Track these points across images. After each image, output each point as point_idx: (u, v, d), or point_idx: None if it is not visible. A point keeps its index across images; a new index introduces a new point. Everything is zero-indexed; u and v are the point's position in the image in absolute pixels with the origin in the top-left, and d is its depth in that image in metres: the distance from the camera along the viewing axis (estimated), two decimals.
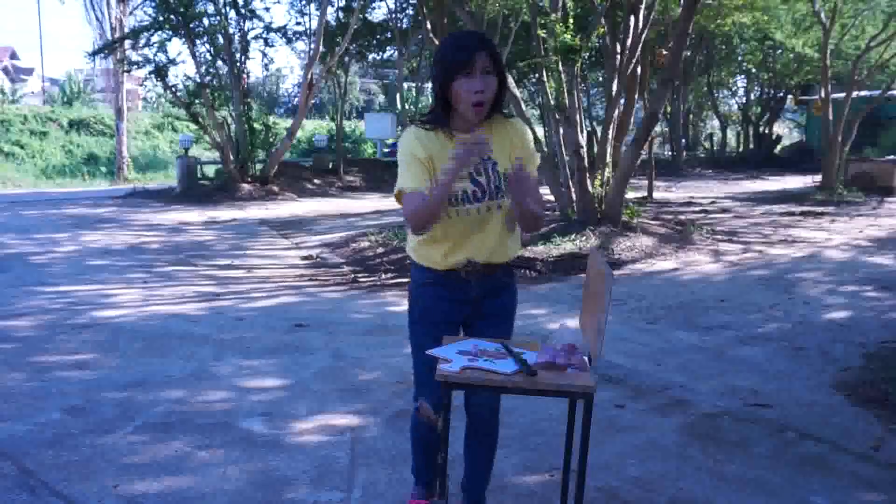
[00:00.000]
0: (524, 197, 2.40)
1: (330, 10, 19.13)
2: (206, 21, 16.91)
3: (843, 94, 17.53)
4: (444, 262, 2.66)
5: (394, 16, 20.65)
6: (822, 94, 17.52)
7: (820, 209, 14.10)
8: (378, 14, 22.75)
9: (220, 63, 17.78)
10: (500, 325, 2.75)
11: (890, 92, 18.72)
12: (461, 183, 2.54)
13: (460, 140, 2.49)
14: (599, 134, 11.13)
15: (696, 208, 14.59)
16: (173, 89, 17.13)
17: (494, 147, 2.58)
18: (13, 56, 50.14)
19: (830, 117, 17.10)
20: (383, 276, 8.07)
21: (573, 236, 9.33)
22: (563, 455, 2.90)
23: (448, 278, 2.68)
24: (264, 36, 18.83)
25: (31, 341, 5.52)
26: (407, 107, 25.19)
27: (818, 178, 18.03)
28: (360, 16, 18.89)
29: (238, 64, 17.78)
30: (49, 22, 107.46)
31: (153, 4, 16.63)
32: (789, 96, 31.54)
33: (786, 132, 41.19)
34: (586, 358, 2.44)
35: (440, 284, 2.70)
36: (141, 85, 22.83)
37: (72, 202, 15.81)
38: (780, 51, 26.39)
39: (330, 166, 21.50)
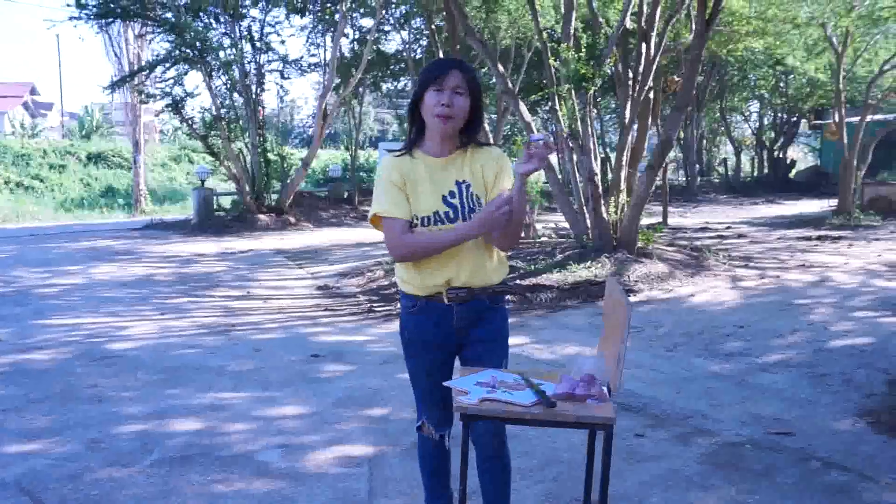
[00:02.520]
0: (531, 170, 2.46)
1: (344, 41, 19.33)
2: (222, 54, 17.14)
3: (857, 118, 17.50)
4: (425, 286, 2.70)
5: (407, 46, 20.82)
6: (837, 118, 17.47)
7: (836, 234, 14.01)
8: (392, 45, 22.94)
9: (235, 95, 17.99)
10: (491, 352, 2.74)
11: None
12: (435, 204, 2.63)
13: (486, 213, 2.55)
14: (613, 161, 11.14)
15: (712, 234, 14.53)
16: (190, 122, 17.33)
17: (470, 170, 2.69)
18: (33, 91, 50.83)
19: (845, 141, 17.04)
20: (398, 305, 8.06)
21: (589, 263, 9.30)
22: (583, 485, 2.86)
23: (430, 305, 2.72)
24: (280, 69, 19.08)
25: (50, 374, 5.55)
26: None
27: (834, 202, 17.94)
28: (374, 47, 19.08)
29: (254, 96, 17.99)
30: (68, 58, 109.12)
31: (170, 39, 16.88)
32: (803, 121, 31.48)
33: (800, 156, 41.04)
34: (606, 388, 2.42)
35: (423, 312, 2.75)
36: (157, 116, 23.12)
37: (90, 235, 15.94)
38: (792, 75, 26.39)
39: (345, 196, 21.61)
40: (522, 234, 12.53)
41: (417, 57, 20.26)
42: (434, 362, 2.80)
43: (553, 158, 11.93)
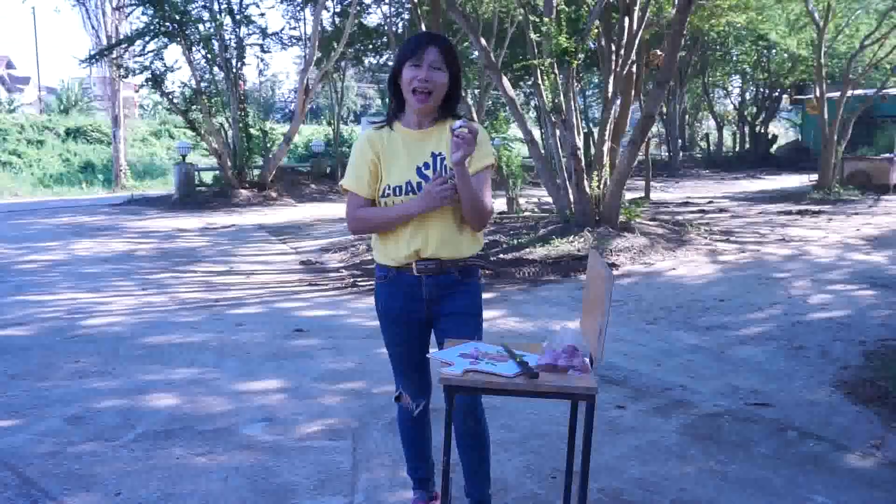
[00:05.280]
0: (461, 157, 2.51)
1: (325, 14, 19.15)
2: (201, 27, 16.93)
3: (837, 93, 17.58)
4: (396, 256, 2.72)
5: (389, 20, 20.66)
6: (817, 94, 17.56)
7: (816, 208, 14.13)
8: (373, 18, 22.76)
9: (216, 69, 17.80)
10: (462, 325, 2.75)
11: (884, 91, 18.77)
12: (408, 175, 2.66)
13: (428, 187, 2.61)
14: (596, 135, 11.15)
15: (694, 208, 14.61)
16: (170, 96, 17.14)
17: (446, 143, 2.66)
18: (9, 65, 50.10)
19: (826, 116, 17.14)
20: None
21: (571, 238, 9.34)
22: (565, 457, 2.89)
23: (401, 276, 2.74)
24: (260, 42, 18.89)
25: (31, 351, 5.52)
26: None
27: (814, 176, 18.08)
28: (356, 20, 18.91)
29: (234, 70, 17.81)
30: (45, 31, 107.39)
31: (149, 11, 16.65)
32: (784, 96, 31.60)
33: (781, 132, 41.24)
34: (587, 360, 2.44)
35: (394, 282, 2.77)
36: (137, 91, 22.84)
37: (70, 211, 15.80)
38: (774, 51, 26.47)
39: (328, 171, 21.52)
40: (505, 209, 12.57)
41: (399, 31, 20.10)
42: (406, 333, 2.83)
43: (536, 133, 11.90)
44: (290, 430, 4.01)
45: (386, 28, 21.00)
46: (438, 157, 2.68)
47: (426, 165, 2.67)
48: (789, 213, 13.58)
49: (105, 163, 24.94)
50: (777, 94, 31.38)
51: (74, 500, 3.24)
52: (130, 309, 6.89)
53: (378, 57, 23.76)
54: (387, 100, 2.84)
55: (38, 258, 9.70)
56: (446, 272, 2.72)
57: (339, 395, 4.54)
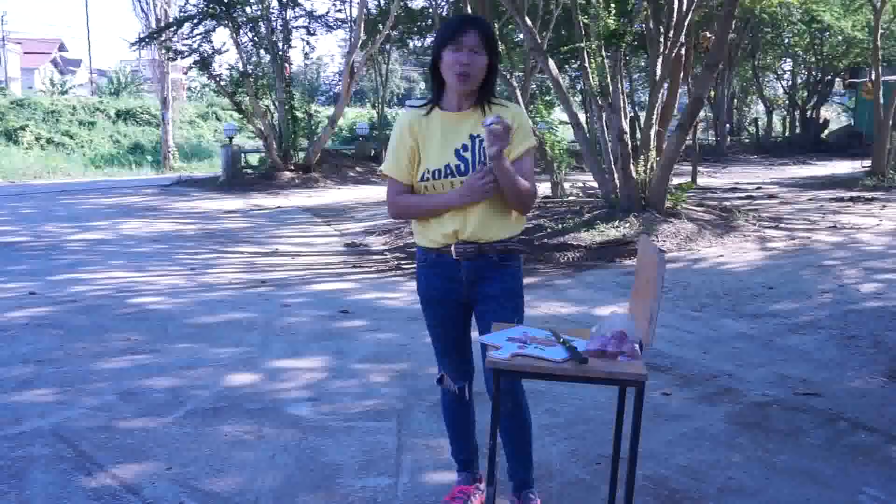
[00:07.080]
0: (497, 151, 2.52)
1: None
2: (248, 10, 17.06)
3: (893, 77, 17.09)
4: (434, 237, 2.73)
5: (434, 2, 20.56)
6: (873, 77, 17.08)
7: (869, 195, 13.78)
8: (418, 1, 22.67)
9: (262, 52, 17.95)
10: (503, 309, 2.73)
11: None
12: (447, 157, 2.67)
13: (471, 179, 2.63)
14: (643, 119, 10.99)
15: (742, 194, 14.35)
16: (217, 79, 17.33)
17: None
18: (62, 48, 51.03)
19: (881, 100, 16.68)
20: None
21: (617, 223, 9.25)
22: (611, 443, 2.87)
23: (440, 259, 2.75)
24: (306, 24, 18.99)
25: (83, 328, 5.65)
26: None
27: (867, 162, 17.62)
28: (401, 2, 18.88)
29: (280, 53, 17.93)
30: (96, 14, 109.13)
31: None
32: (837, 80, 30.79)
33: (833, 116, 40.24)
34: (637, 346, 2.41)
35: (433, 265, 2.79)
36: (185, 74, 23.16)
37: (119, 191, 16.10)
38: (828, 33, 25.79)
39: (372, 154, 21.59)
40: (550, 194, 12.49)
41: (444, 13, 20.00)
42: (446, 316, 2.85)
43: (581, 117, 11.80)
44: (336, 410, 4.05)
45: (431, 10, 20.92)
46: (477, 140, 2.67)
47: (465, 147, 2.67)
48: (841, 199, 13.27)
49: (154, 144, 25.36)
50: (830, 77, 30.59)
51: (127, 472, 3.31)
52: (178, 288, 7.01)
53: (423, 40, 23.68)
54: (430, 84, 2.82)
55: (89, 237, 9.91)
56: (485, 256, 2.71)
57: (384, 377, 4.57)
